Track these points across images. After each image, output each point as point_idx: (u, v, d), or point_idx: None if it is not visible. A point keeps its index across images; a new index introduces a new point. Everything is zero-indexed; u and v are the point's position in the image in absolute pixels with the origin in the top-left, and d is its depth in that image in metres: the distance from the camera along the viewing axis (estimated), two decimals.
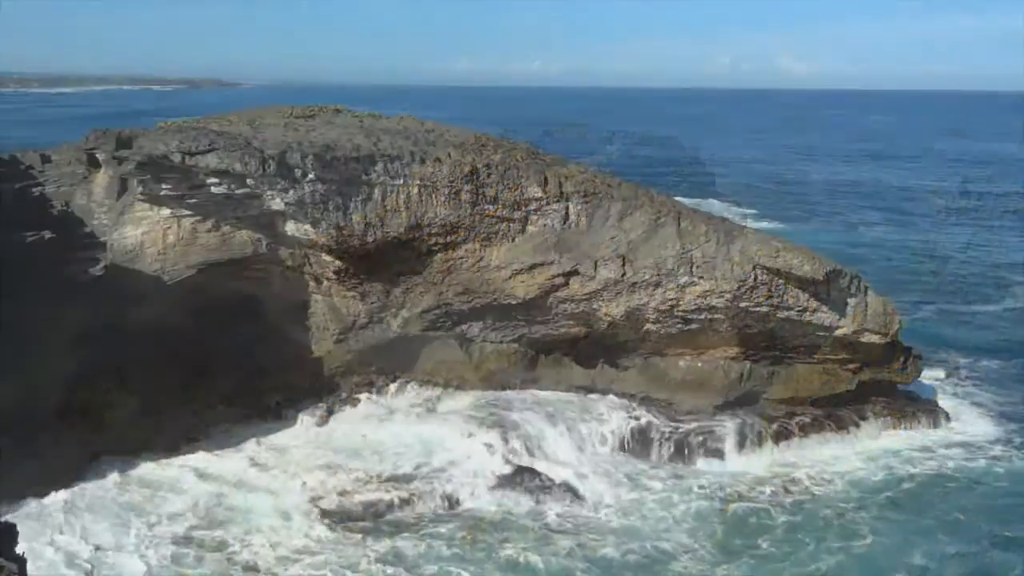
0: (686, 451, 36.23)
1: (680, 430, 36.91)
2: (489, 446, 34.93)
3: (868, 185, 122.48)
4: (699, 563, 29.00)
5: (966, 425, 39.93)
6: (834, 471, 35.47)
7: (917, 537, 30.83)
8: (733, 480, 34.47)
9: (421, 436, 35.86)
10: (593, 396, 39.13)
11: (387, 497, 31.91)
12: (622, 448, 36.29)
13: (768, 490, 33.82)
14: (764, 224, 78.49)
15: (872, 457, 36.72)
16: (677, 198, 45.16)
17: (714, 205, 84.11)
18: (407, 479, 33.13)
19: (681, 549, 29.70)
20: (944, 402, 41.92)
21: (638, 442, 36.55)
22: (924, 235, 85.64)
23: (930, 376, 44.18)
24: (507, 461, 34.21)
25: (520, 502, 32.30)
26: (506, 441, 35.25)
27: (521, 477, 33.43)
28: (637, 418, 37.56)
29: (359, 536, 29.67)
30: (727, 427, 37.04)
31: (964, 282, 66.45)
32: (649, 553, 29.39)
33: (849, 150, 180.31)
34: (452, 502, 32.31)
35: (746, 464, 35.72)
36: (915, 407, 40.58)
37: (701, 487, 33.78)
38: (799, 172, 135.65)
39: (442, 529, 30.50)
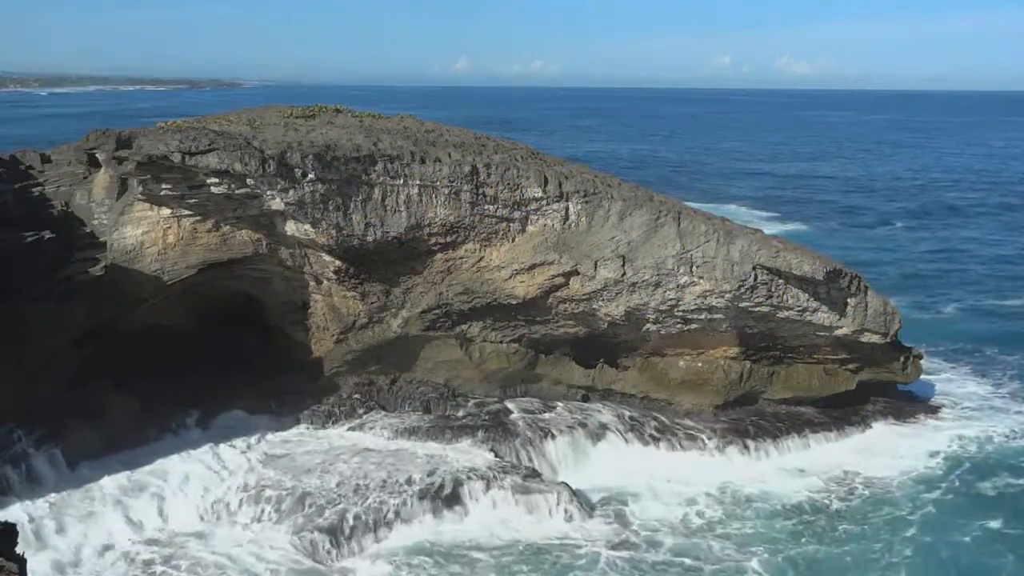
0: (695, 453, 36.13)
1: (686, 433, 36.91)
2: (497, 455, 34.39)
3: (882, 182, 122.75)
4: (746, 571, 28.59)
5: (1001, 416, 40.19)
6: (863, 470, 35.38)
7: (972, 530, 30.86)
8: (753, 484, 34.28)
9: (424, 441, 35.59)
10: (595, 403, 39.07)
11: (388, 504, 31.11)
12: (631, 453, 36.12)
13: (805, 491, 33.63)
14: (789, 227, 79.02)
15: (906, 454, 36.64)
16: (689, 203, 44.96)
17: (729, 209, 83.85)
18: (409, 485, 32.24)
19: (720, 558, 29.23)
20: (976, 395, 42.36)
21: (645, 444, 36.53)
22: (942, 231, 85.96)
23: (961, 369, 45.05)
24: (515, 469, 33.47)
25: (539, 515, 31.11)
26: (514, 448, 35.00)
27: (530, 485, 32.33)
28: (642, 422, 37.61)
29: (359, 542, 29.48)
30: (735, 429, 37.07)
31: (989, 276, 67.01)
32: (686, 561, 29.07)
33: (854, 149, 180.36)
34: (461, 512, 31.37)
35: (759, 466, 35.59)
36: (915, 407, 40.66)
37: (721, 493, 33.51)
38: (805, 172, 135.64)
39: (449, 539, 29.75)
